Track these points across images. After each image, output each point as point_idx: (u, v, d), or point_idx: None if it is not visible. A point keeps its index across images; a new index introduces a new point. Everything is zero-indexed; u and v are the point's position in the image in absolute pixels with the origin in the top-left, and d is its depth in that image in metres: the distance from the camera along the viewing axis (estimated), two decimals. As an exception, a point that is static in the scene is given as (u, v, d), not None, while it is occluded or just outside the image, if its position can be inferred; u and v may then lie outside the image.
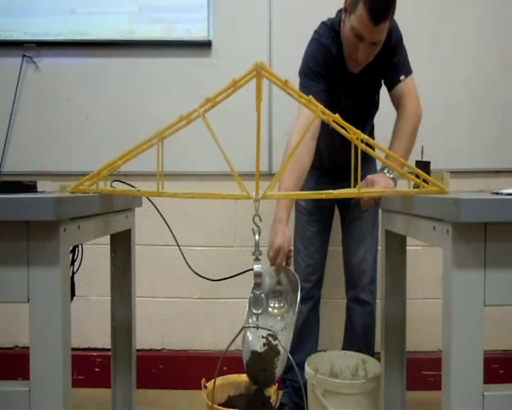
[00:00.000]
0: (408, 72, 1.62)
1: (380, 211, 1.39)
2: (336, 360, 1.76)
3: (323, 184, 1.88)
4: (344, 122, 0.90)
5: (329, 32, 1.64)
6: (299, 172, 1.53)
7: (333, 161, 1.85)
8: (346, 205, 1.89)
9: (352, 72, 1.63)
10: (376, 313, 1.86)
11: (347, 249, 1.91)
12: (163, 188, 0.95)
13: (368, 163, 1.76)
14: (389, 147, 1.56)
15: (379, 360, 1.46)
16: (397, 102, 1.63)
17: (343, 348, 1.89)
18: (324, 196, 0.95)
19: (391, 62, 1.61)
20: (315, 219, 1.90)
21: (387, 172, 1.43)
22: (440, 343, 0.89)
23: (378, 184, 1.36)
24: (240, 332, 1.03)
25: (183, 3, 2.22)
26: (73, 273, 1.20)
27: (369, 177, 1.38)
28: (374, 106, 1.79)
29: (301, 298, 1.88)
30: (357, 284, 1.86)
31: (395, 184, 1.43)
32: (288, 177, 1.49)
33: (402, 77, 1.60)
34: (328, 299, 2.17)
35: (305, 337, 1.90)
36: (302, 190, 1.92)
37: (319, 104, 0.90)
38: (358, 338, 1.86)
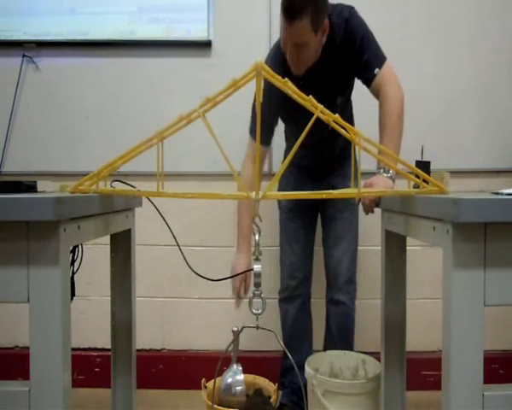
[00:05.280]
0: (381, 62, 1.56)
1: (380, 211, 1.38)
2: (336, 360, 1.76)
3: (303, 182, 1.89)
4: (344, 122, 0.90)
5: (276, 49, 1.63)
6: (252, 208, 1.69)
7: (311, 157, 1.85)
8: (324, 205, 1.89)
9: (297, 73, 1.57)
10: (378, 311, 1.85)
11: (325, 250, 1.91)
12: (163, 188, 0.95)
13: (349, 159, 1.78)
14: (379, 143, 1.52)
15: (379, 360, 1.46)
16: (377, 94, 1.58)
17: (324, 349, 1.88)
18: (324, 196, 0.95)
19: (360, 62, 1.57)
20: (296, 216, 1.89)
21: (384, 171, 1.42)
22: (440, 343, 0.89)
23: (377, 186, 1.36)
24: (240, 332, 1.03)
25: (183, 3, 2.22)
26: (73, 273, 1.20)
27: (367, 181, 1.38)
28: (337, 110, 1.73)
29: (287, 296, 1.90)
30: (332, 285, 1.86)
31: (393, 183, 1.42)
32: (245, 215, 1.70)
33: (376, 70, 1.55)
34: (324, 299, 2.17)
35: (299, 338, 1.90)
36: (283, 188, 1.91)
37: (319, 105, 0.90)
38: (334, 339, 1.85)
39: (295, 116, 1.58)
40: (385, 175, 1.41)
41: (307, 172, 1.89)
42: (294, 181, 1.89)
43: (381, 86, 1.55)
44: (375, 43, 1.59)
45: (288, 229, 1.91)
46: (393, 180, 1.41)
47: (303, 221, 1.90)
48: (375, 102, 1.58)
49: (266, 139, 1.66)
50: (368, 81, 1.58)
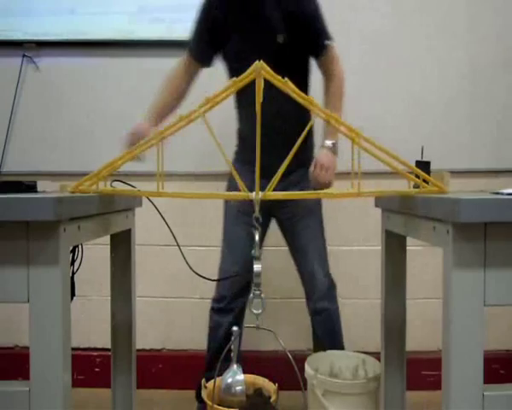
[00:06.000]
0: (330, 38, 1.67)
1: (380, 210, 1.38)
2: (336, 360, 1.76)
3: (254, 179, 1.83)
4: (342, 122, 0.90)
5: None
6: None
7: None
8: (281, 216, 1.80)
9: None
10: (378, 311, 1.85)
11: (293, 259, 1.84)
12: (163, 188, 0.95)
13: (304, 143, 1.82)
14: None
15: (379, 360, 1.46)
16: (324, 69, 1.70)
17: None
18: (322, 196, 0.95)
19: (312, 30, 1.65)
20: (243, 219, 1.74)
21: (326, 141, 1.59)
22: (440, 343, 0.89)
23: (328, 167, 1.55)
24: (240, 332, 1.03)
25: (183, 3, 2.22)
26: (73, 273, 1.20)
27: (317, 160, 1.56)
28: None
29: (221, 309, 1.76)
30: (311, 296, 1.81)
31: (336, 151, 1.60)
32: (165, 92, 1.82)
33: (327, 42, 1.66)
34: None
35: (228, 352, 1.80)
36: (235, 186, 1.72)
37: (317, 104, 0.90)
38: (324, 344, 1.81)
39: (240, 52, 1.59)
40: (328, 144, 1.59)
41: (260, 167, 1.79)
42: (250, 179, 1.78)
43: (330, 63, 1.69)
44: (324, 21, 1.67)
45: (231, 233, 1.78)
46: (336, 148, 1.61)
47: (249, 227, 1.80)
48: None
49: (202, 56, 1.71)
50: (318, 50, 1.67)
